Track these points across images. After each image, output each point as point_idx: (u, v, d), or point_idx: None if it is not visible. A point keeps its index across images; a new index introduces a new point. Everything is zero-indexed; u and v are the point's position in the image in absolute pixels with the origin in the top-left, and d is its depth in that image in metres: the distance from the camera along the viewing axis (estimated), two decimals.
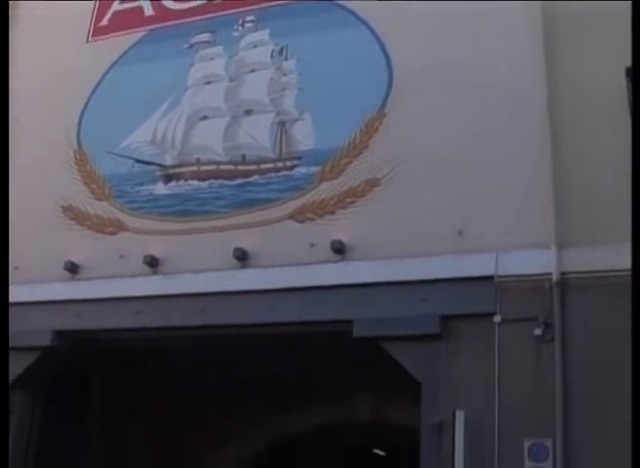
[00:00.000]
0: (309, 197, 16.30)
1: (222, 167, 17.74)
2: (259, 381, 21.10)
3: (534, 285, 13.73)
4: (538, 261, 13.81)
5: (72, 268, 17.81)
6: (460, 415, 13.37)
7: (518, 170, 14.59)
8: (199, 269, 16.50)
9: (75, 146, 19.36)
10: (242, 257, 16.20)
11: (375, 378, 19.99)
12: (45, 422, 18.14)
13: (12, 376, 17.39)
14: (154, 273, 17.08)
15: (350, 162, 16.20)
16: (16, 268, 17.94)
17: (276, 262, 15.92)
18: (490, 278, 14.09)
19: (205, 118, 18.44)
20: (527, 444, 13.12)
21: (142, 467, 21.73)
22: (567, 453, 12.81)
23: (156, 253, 17.13)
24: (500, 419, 13.35)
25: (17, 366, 17.39)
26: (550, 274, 13.67)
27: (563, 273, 13.62)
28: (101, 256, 17.75)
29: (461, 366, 13.92)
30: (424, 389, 14.16)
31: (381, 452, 30.02)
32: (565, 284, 13.57)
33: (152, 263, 17.03)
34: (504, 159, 14.80)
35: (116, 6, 21.27)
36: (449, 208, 14.90)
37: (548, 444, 12.95)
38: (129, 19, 20.83)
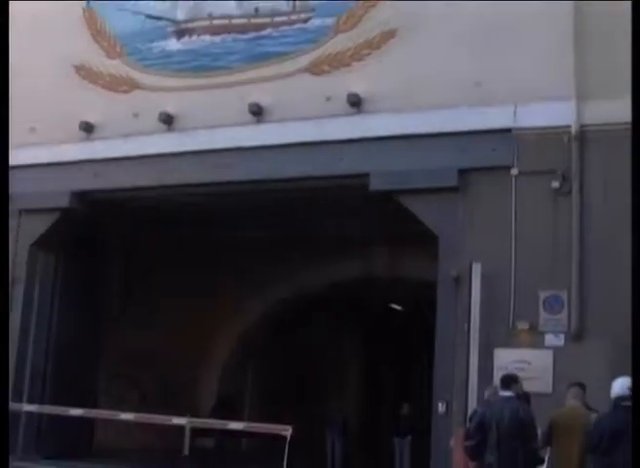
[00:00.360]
0: (325, 49, 15.94)
1: (235, 21, 17.30)
2: (274, 238, 21.46)
3: (552, 137, 13.59)
4: (557, 114, 13.62)
5: (87, 128, 17.74)
6: (476, 268, 13.54)
7: (539, 22, 14.15)
8: (214, 125, 16.38)
9: (84, 5, 18.93)
10: (257, 112, 16.03)
11: (391, 233, 20.20)
12: (67, 283, 18.59)
13: (31, 239, 17.80)
14: (169, 130, 16.99)
15: (366, 12, 15.77)
16: (32, 130, 18.02)
17: (292, 117, 15.76)
18: (508, 130, 13.96)
19: None
20: (542, 295, 13.34)
21: (165, 310, 22.52)
22: (581, 304, 13.04)
23: (171, 109, 16.97)
24: (517, 271, 13.51)
25: (36, 228, 17.80)
26: (569, 126, 13.51)
27: (582, 126, 13.47)
28: (116, 115, 17.62)
29: (479, 218, 13.99)
30: (441, 242, 14.28)
31: (398, 307, 30.61)
32: (584, 137, 13.42)
33: (167, 121, 16.91)
34: (525, 11, 14.31)
35: None
36: (466, 59, 14.53)
37: (563, 295, 13.17)
38: None
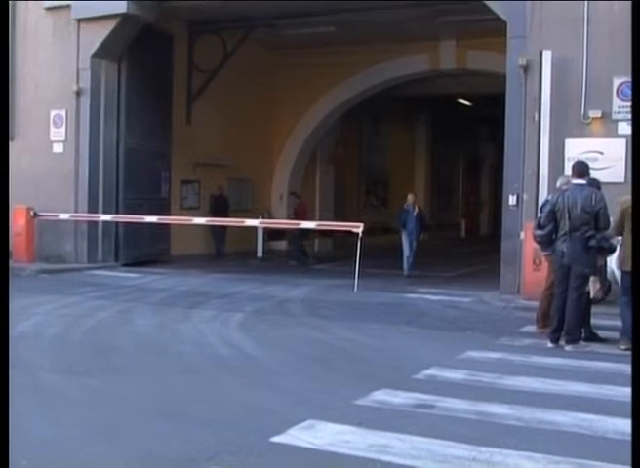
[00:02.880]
0: None
1: None
2: (340, 34, 21.22)
3: None
4: None
5: None
6: (546, 55, 13.23)
7: None
8: None
9: None
10: None
11: (459, 24, 19.77)
12: (132, 91, 18.74)
13: (92, 49, 17.85)
14: None
15: None
16: None
17: None
18: None
19: None
20: (616, 82, 13.09)
21: (233, 117, 22.83)
22: None
23: None
24: (589, 57, 13.22)
25: (96, 37, 17.81)
26: None
27: None
28: None
29: (549, 5, 13.55)
30: (510, 29, 13.91)
31: (467, 102, 30.34)
32: None
33: None
34: None
35: None
36: None
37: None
38: None
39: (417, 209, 18.21)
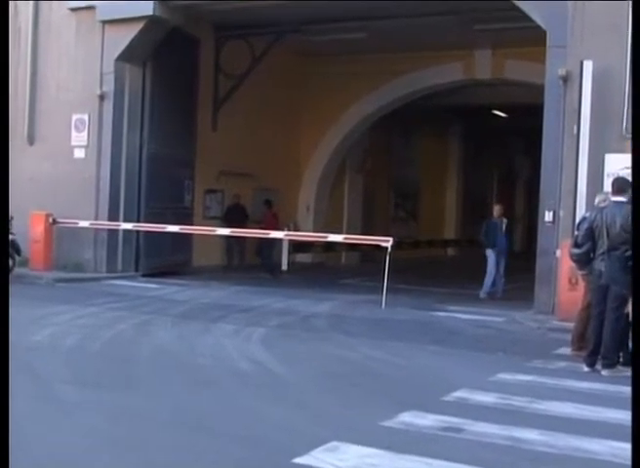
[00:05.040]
0: None
1: None
2: (373, 41, 21.24)
3: None
4: None
5: None
6: (587, 66, 13.14)
7: None
8: None
9: None
10: None
11: (496, 32, 19.69)
12: (157, 95, 18.89)
13: (116, 52, 17.97)
14: None
15: None
16: None
17: None
18: None
19: None
20: None
21: (258, 124, 22.91)
22: None
23: None
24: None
25: (120, 40, 17.95)
26: None
27: None
28: None
29: (591, 12, 13.47)
30: (550, 38, 13.81)
31: (501, 114, 30.23)
32: None
33: None
34: None
35: None
36: None
37: None
38: None
39: (506, 222, 17.34)
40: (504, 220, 17.45)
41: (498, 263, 16.99)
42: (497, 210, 17.70)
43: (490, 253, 17.05)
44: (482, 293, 16.94)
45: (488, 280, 17.01)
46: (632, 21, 11.23)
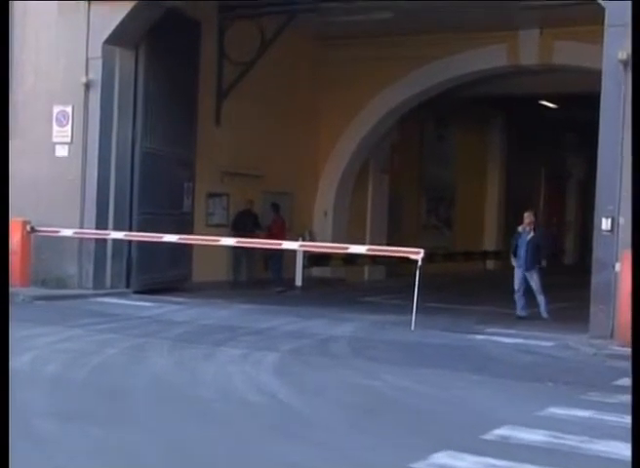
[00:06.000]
0: None
1: None
2: (403, 21, 21.28)
3: None
4: None
5: None
6: None
7: None
8: None
9: None
10: None
11: (544, 9, 19.66)
12: (151, 84, 18.95)
13: (104, 34, 18.05)
14: None
15: None
16: None
17: None
18: None
19: None
20: None
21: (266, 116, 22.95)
22: None
23: None
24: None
25: (109, 20, 18.01)
26: None
27: None
28: None
29: None
30: (609, 16, 13.69)
31: (551, 105, 30.18)
32: None
33: None
34: None
35: None
36: None
37: None
38: None
39: (532, 231, 17.50)
40: (527, 230, 17.55)
41: (522, 278, 17.22)
42: (525, 217, 17.90)
43: (516, 266, 17.39)
44: (544, 313, 17.05)
45: (540, 299, 17.12)
46: (632, 21, 11.23)
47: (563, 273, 25.95)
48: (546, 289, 17.20)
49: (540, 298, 17.13)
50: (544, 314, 17.05)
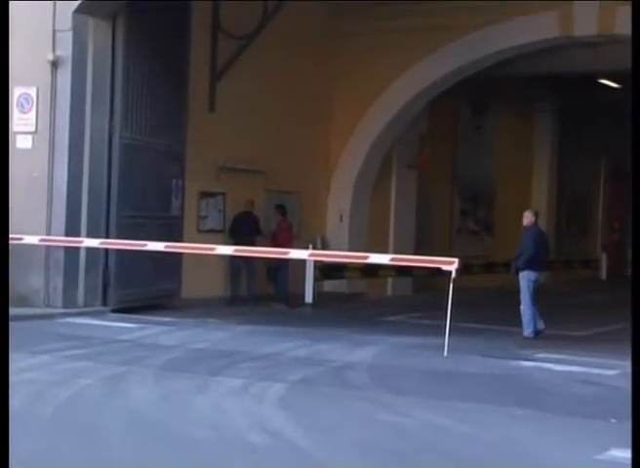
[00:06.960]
0: None
1: None
2: None
3: None
4: None
5: None
6: None
7: None
8: None
9: None
10: None
11: None
12: (132, 62, 19.00)
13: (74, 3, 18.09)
14: None
15: None
16: None
17: None
18: None
19: None
20: None
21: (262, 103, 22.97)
22: None
23: None
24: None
25: None
26: None
27: None
28: None
29: None
30: None
31: (612, 84, 30.20)
32: None
33: None
34: None
35: None
36: None
37: None
38: None
39: (530, 230, 18.11)
40: (529, 233, 18.13)
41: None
42: (525, 217, 18.51)
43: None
44: (525, 331, 17.38)
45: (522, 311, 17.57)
46: (632, 21, 11.24)
47: (627, 287, 25.86)
48: (536, 301, 17.69)
49: (523, 310, 17.60)
50: (526, 332, 17.36)
